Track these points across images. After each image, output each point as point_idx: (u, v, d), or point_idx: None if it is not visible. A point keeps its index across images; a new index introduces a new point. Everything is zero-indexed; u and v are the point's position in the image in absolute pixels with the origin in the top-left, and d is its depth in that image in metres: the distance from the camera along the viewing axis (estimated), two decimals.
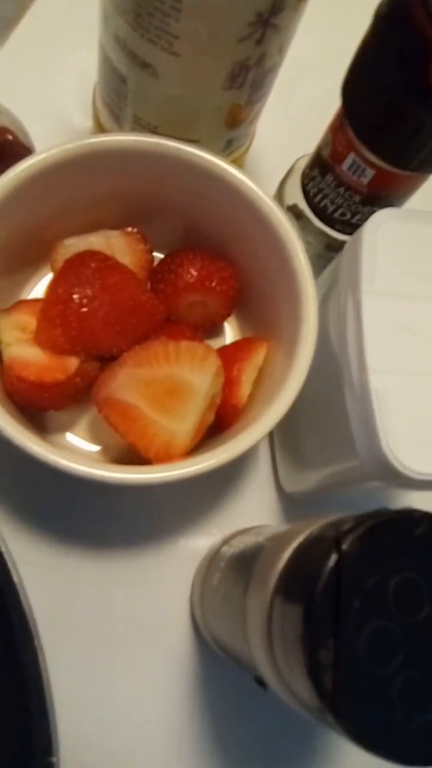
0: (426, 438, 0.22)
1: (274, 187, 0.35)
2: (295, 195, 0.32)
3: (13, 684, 0.21)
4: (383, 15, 0.22)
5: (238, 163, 0.36)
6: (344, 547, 0.18)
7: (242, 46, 0.25)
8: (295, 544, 0.20)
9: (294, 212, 0.33)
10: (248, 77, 0.27)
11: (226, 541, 0.30)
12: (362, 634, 0.17)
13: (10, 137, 0.31)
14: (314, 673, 0.17)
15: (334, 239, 0.31)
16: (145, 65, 0.27)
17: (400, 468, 0.22)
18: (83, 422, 0.31)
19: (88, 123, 0.37)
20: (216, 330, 0.33)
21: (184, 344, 0.27)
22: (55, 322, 0.27)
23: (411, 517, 0.18)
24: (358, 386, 0.23)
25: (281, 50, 0.27)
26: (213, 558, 0.29)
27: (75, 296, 0.27)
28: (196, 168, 0.28)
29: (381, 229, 0.24)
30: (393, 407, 0.22)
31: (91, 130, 0.36)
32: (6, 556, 0.22)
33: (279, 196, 0.33)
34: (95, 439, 0.31)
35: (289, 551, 0.20)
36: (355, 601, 0.17)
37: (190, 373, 0.26)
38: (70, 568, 0.31)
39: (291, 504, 0.33)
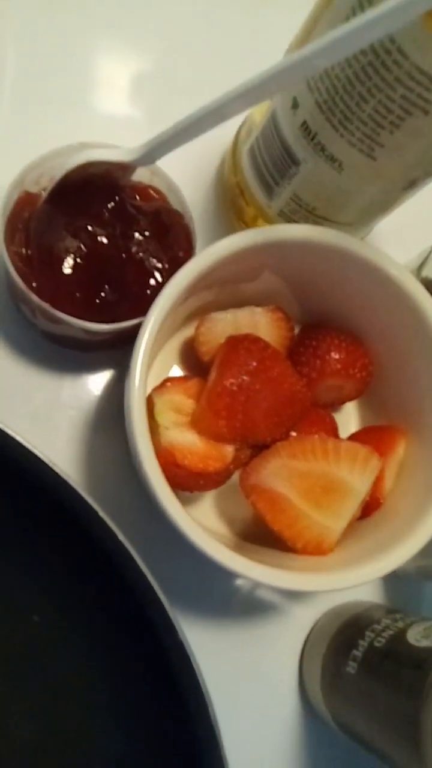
0: None
1: None
2: None
3: None
4: None
5: (363, 240, 0.36)
6: None
7: None
8: None
9: (425, 284, 0.33)
10: (426, 181, 0.27)
11: (346, 623, 0.31)
12: None
13: (157, 196, 0.30)
14: None
15: None
16: (332, 159, 0.26)
17: None
18: (209, 496, 0.31)
19: (210, 163, 0.36)
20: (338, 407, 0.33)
21: (344, 444, 0.27)
22: (221, 414, 0.26)
23: None
24: None
25: None
26: (334, 640, 0.30)
27: (243, 389, 0.26)
28: (360, 262, 0.28)
29: None
30: None
31: (224, 181, 0.35)
32: (197, 672, 0.22)
33: (420, 266, 0.33)
34: (220, 513, 0.31)
35: None
36: None
37: (350, 474, 0.27)
38: None
39: (391, 578, 0.34)
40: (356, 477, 0.27)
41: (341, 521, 0.27)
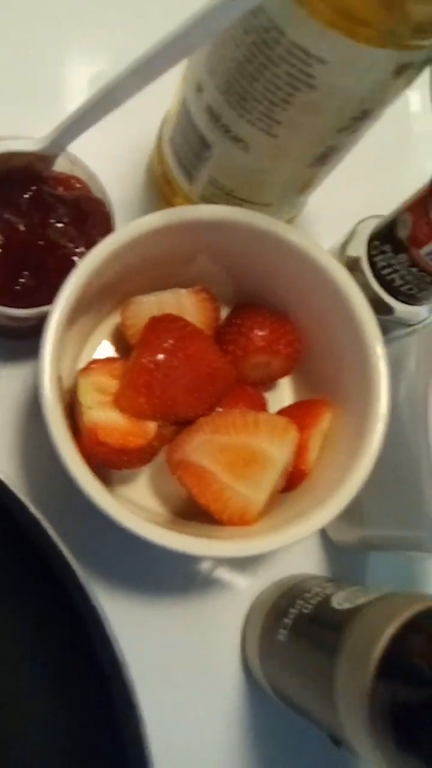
0: None
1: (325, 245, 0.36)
2: (362, 253, 0.33)
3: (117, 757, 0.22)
4: None
5: (293, 222, 0.36)
6: None
7: (340, 134, 0.26)
8: (391, 630, 0.22)
9: (349, 267, 0.34)
10: (335, 157, 0.28)
11: (282, 594, 0.31)
12: None
13: (79, 185, 0.31)
14: None
15: (388, 305, 0.33)
16: (237, 139, 0.27)
17: None
18: (144, 475, 0.32)
19: (140, 159, 0.37)
20: (271, 386, 0.34)
21: (263, 416, 0.28)
22: (141, 391, 0.27)
23: None
24: None
25: (367, 130, 0.28)
26: (270, 610, 0.31)
27: (160, 366, 0.27)
28: (277, 240, 0.29)
29: None
30: None
31: (153, 173, 0.36)
32: (110, 634, 0.22)
33: (339, 259, 0.34)
34: (155, 491, 0.32)
35: (388, 635, 0.22)
36: None
37: (269, 444, 0.28)
38: (113, 608, 0.32)
39: (334, 551, 0.35)
40: (275, 448, 0.28)
41: (263, 491, 0.28)
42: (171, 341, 0.28)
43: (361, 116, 0.25)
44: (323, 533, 0.35)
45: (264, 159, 0.28)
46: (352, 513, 0.32)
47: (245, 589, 0.34)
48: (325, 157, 0.28)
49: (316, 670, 0.25)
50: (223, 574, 0.34)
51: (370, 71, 0.22)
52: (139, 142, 0.36)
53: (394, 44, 0.21)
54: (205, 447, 0.28)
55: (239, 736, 0.32)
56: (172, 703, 0.31)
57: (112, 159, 0.37)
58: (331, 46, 0.21)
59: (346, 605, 0.26)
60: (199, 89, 0.27)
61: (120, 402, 0.28)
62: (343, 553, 0.35)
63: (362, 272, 0.33)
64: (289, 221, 0.35)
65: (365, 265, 0.32)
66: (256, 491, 0.28)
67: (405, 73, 0.23)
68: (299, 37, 0.22)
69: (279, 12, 0.21)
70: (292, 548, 0.35)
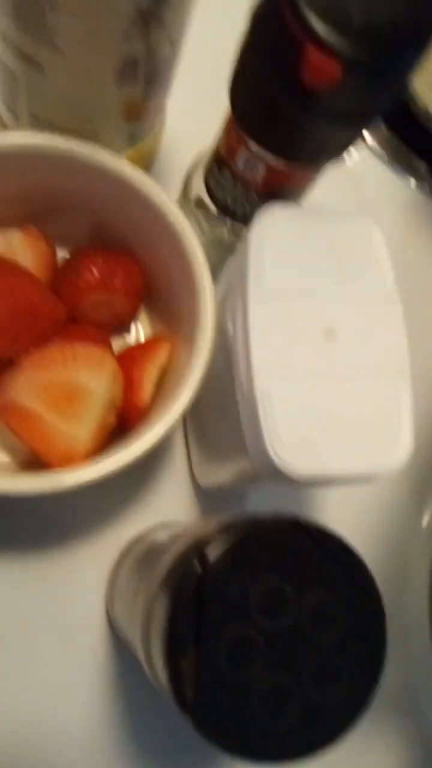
0: (308, 438, 0.23)
1: None
2: (201, 188, 0.32)
3: None
4: (257, 15, 0.22)
5: (149, 155, 0.35)
6: (209, 557, 0.18)
7: (127, 42, 0.25)
8: (180, 546, 0.21)
9: (203, 207, 0.33)
10: (139, 72, 0.27)
11: (139, 539, 0.30)
12: (224, 642, 0.17)
13: None
14: (176, 684, 0.17)
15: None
16: (31, 61, 0.26)
17: (283, 468, 0.22)
18: None
19: None
20: (126, 328, 0.33)
21: (81, 348, 0.27)
22: None
23: (279, 524, 0.19)
24: (245, 387, 0.23)
25: (173, 44, 0.27)
26: (125, 555, 0.29)
27: None
28: (94, 168, 0.28)
29: (267, 227, 0.24)
30: (278, 408, 0.23)
31: None
32: None
33: (185, 190, 0.33)
34: (3, 445, 0.31)
35: (173, 554, 0.20)
36: (218, 611, 0.17)
37: (88, 377, 0.26)
38: None
39: (207, 498, 0.33)
40: (93, 379, 0.26)
41: (85, 427, 0.26)
42: None
43: (139, 18, 0.24)
44: (195, 483, 0.33)
45: (62, 79, 0.26)
46: (206, 453, 0.31)
47: (117, 548, 0.32)
48: (127, 73, 0.26)
49: (132, 604, 0.24)
50: (90, 530, 0.32)
51: None
52: None
53: None
54: (28, 386, 0.27)
55: (100, 694, 0.30)
56: (31, 662, 0.30)
57: None
58: None
59: (165, 537, 0.25)
60: None
61: None
62: (216, 501, 0.33)
63: (201, 198, 0.31)
64: (145, 154, 0.34)
65: (205, 195, 0.31)
66: (78, 428, 0.27)
67: None
68: None
69: None
70: (163, 498, 0.33)
